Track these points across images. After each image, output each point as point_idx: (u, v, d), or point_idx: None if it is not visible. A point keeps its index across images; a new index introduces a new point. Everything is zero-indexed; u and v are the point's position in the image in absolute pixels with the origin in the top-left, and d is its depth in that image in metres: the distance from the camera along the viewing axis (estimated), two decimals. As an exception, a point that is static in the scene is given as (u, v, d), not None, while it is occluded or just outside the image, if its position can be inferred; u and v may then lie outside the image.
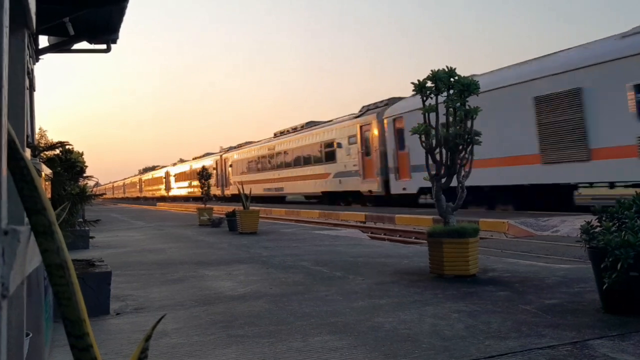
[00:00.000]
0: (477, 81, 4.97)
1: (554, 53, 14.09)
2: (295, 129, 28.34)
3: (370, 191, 20.58)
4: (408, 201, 18.88)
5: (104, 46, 7.69)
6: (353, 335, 3.02)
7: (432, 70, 4.94)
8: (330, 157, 23.16)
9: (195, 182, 39.92)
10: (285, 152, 27.92)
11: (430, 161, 5.12)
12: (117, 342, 3.09)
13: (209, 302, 4.11)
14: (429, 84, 4.95)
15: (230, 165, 35.01)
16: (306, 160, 25.47)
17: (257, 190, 29.12)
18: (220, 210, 16.85)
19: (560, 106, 12.85)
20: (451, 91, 4.90)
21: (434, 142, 5.05)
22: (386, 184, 19.56)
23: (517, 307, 3.57)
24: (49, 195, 3.44)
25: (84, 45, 7.70)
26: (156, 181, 61.05)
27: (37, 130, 11.65)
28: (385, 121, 19.35)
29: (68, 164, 4.56)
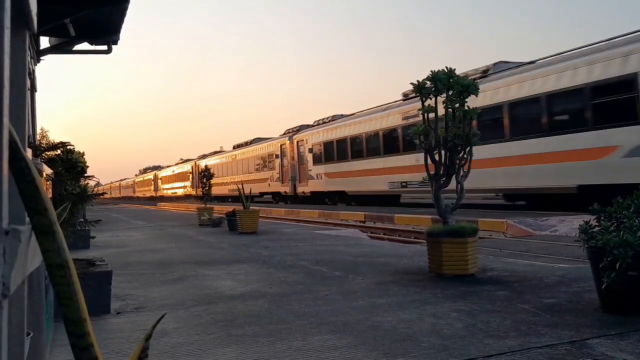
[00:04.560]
0: (477, 82, 4.98)
1: None
2: (246, 143, 36.13)
3: (285, 192, 28.50)
4: (313, 200, 26.16)
5: (104, 47, 7.69)
6: (353, 335, 3.03)
7: (431, 71, 4.95)
8: (268, 166, 31.03)
9: (177, 184, 50.92)
10: (238, 162, 36.03)
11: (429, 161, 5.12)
12: (118, 341, 3.10)
13: (209, 301, 4.12)
14: (428, 84, 4.95)
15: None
16: (251, 169, 33.59)
17: (222, 191, 35.88)
18: (220, 210, 16.91)
19: None
20: (450, 92, 4.91)
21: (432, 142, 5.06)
22: (295, 187, 27.55)
23: (516, 306, 3.58)
24: (50, 195, 3.45)
25: (85, 46, 7.71)
26: (146, 183, 68.98)
27: (38, 131, 11.65)
28: (294, 142, 27.58)
29: (69, 164, 4.56)
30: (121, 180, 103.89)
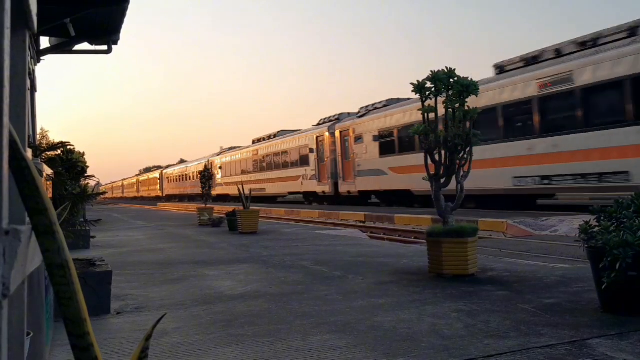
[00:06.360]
0: (477, 82, 4.98)
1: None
2: (191, 161, 51.64)
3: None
4: (221, 199, 39.84)
5: (104, 47, 7.70)
6: (353, 335, 3.03)
7: (431, 71, 4.95)
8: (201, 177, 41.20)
9: (153, 187, 67.89)
10: (187, 172, 51.13)
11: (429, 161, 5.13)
12: (118, 341, 3.10)
13: (209, 301, 4.12)
14: (428, 84, 4.95)
15: (166, 178, 59.50)
16: (193, 178, 45.85)
17: (176, 192, 53.66)
18: (220, 210, 16.95)
19: None
20: (450, 92, 4.91)
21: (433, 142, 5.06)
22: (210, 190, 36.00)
23: (516, 306, 3.58)
24: (50, 195, 3.45)
25: (85, 46, 7.72)
26: (132, 185, 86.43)
27: (38, 131, 11.66)
28: (212, 163, 39.13)
29: (69, 164, 4.57)
30: (113, 182, 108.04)
